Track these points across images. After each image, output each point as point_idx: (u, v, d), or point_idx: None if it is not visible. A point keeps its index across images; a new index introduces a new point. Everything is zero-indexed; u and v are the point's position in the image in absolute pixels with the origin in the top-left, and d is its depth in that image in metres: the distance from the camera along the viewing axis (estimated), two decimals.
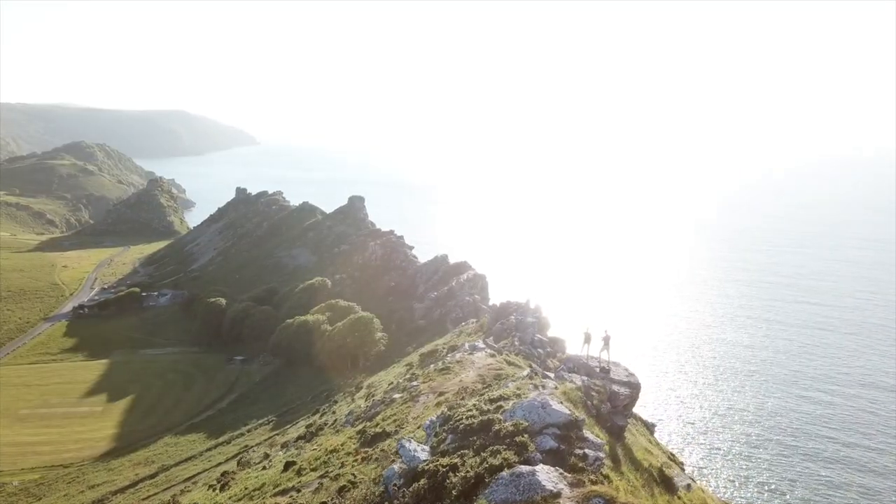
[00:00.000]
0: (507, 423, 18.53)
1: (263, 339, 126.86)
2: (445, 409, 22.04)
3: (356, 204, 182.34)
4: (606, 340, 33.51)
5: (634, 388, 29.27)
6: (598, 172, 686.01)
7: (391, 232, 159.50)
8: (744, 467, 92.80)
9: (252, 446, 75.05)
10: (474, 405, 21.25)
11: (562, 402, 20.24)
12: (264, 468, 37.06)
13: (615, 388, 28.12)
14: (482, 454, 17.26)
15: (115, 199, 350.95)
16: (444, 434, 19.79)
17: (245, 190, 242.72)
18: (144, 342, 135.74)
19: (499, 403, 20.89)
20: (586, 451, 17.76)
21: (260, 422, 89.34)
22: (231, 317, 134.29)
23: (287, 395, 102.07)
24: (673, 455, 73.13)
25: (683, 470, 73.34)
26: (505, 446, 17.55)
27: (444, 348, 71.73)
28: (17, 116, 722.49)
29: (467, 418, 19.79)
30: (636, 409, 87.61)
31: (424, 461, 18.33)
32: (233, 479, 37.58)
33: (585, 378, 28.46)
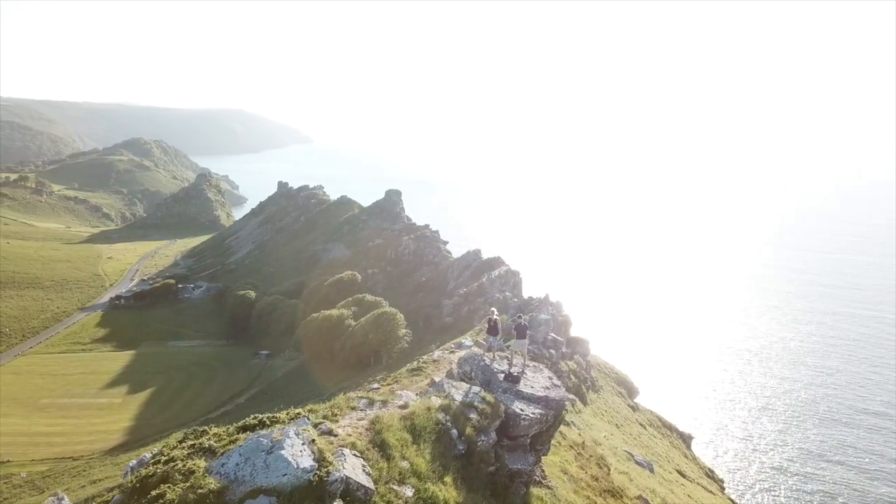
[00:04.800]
0: (181, 485, 11.11)
1: (290, 333, 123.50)
2: (173, 441, 15.37)
3: (392, 198, 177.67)
4: (520, 331, 22.51)
5: (552, 406, 18.67)
6: (646, 172, 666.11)
7: (426, 226, 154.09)
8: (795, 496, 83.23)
9: None
10: (202, 441, 13.45)
11: (311, 444, 12.02)
12: None
13: (518, 406, 17.92)
14: None
15: (169, 194, 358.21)
16: (117, 490, 12.69)
17: (286, 184, 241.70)
18: (174, 334, 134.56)
19: (239, 437, 13.04)
20: None
21: None
22: (259, 310, 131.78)
23: (305, 392, 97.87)
24: (711, 471, 64.70)
25: (723, 489, 64.51)
26: None
27: None
28: (83, 114, 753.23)
29: (165, 463, 12.26)
30: (676, 419, 78.88)
31: None
32: None
33: (477, 390, 18.48)
